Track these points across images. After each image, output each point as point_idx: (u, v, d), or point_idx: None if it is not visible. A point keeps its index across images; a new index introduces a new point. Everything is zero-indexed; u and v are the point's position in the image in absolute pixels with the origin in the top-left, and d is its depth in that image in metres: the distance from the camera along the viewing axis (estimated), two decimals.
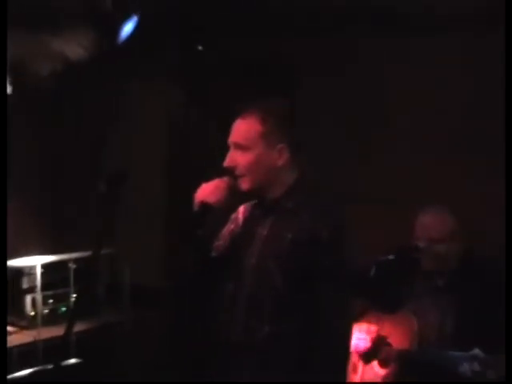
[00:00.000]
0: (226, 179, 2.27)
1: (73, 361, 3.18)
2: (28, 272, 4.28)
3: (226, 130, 2.36)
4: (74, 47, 3.91)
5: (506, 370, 2.06)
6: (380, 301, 3.03)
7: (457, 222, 2.98)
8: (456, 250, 2.96)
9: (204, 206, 2.24)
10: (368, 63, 4.25)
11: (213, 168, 2.32)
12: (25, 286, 4.29)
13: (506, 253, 2.17)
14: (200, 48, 4.50)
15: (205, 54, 4.51)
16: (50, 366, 2.69)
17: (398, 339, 2.89)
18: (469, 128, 3.92)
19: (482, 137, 3.86)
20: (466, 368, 2.63)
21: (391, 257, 3.09)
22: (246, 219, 2.39)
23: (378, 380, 2.91)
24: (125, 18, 3.84)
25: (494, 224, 3.03)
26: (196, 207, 2.27)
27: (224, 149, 2.35)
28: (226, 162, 2.28)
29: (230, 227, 2.44)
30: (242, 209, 2.44)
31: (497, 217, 2.67)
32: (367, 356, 2.92)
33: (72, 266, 4.36)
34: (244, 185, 2.27)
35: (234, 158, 2.27)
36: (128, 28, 3.86)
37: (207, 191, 2.25)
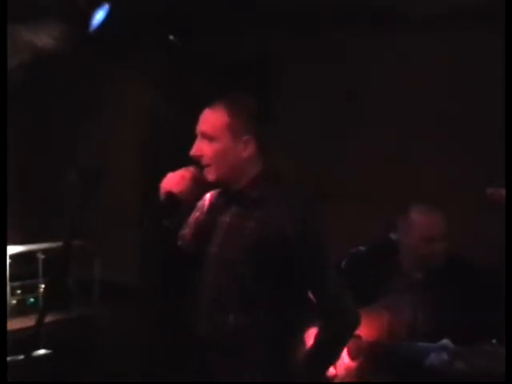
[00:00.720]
0: (191, 169, 2.27)
1: (42, 352, 3.12)
2: None
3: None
4: (45, 38, 3.87)
5: (506, 370, 2.06)
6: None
7: (446, 221, 2.98)
8: (443, 248, 2.96)
9: (170, 195, 2.23)
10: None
11: (188, 161, 2.31)
12: None
13: (506, 253, 2.17)
14: (172, 38, 4.47)
15: (181, 48, 4.49)
16: (19, 358, 2.64)
17: (367, 333, 2.87)
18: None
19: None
20: (433, 358, 2.62)
21: (362, 248, 3.08)
22: (211, 207, 2.38)
23: (349, 371, 2.88)
24: (97, 9, 3.81)
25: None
26: (162, 197, 2.26)
27: None
28: (193, 151, 2.27)
29: (195, 215, 2.42)
30: (208, 196, 2.42)
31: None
32: None
33: (41, 256, 4.22)
34: (210, 175, 2.26)
35: (201, 148, 2.26)
36: (99, 16, 3.83)
37: (173, 181, 2.25)
